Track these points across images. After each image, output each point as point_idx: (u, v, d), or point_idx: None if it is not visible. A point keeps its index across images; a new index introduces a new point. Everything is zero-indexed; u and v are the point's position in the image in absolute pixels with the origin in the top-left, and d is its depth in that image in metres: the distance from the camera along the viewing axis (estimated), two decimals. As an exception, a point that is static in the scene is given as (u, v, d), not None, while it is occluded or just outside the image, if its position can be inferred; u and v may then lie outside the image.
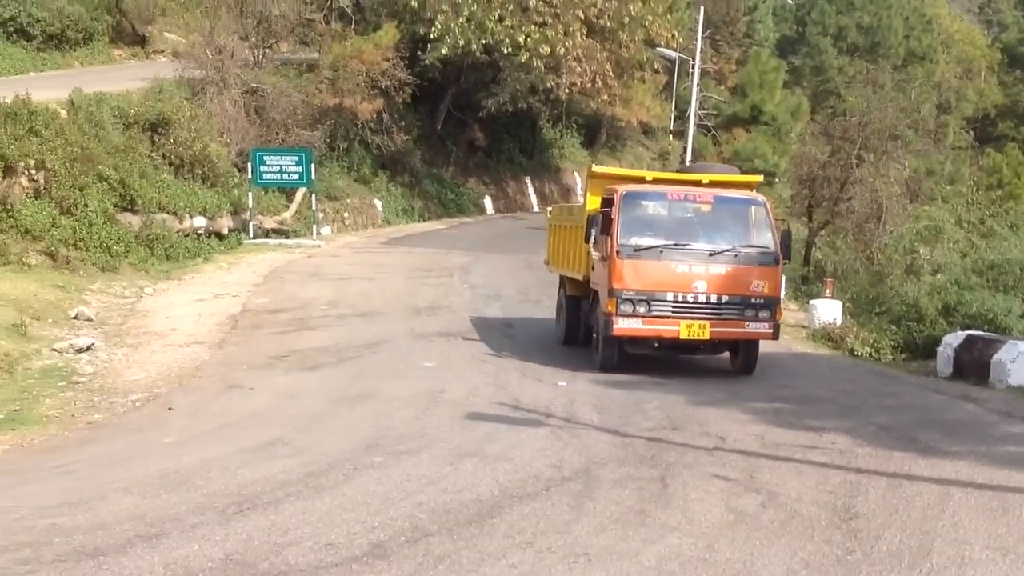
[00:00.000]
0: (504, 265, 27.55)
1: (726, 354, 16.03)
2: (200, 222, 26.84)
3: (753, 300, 14.70)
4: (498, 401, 13.04)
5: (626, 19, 40.30)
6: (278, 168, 29.92)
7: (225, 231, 28.09)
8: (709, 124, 51.36)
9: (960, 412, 13.35)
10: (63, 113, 25.33)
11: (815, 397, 14.18)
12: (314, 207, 31.63)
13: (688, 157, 41.93)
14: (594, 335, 15.75)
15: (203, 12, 35.58)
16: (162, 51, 40.26)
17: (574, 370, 15.23)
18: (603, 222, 14.85)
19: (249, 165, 29.55)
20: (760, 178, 19.18)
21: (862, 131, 27.99)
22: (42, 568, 6.92)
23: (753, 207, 15.41)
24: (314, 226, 31.51)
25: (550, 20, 37.65)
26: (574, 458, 10.13)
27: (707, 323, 14.59)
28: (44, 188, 22.12)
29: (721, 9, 60.44)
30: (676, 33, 44.36)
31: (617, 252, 14.55)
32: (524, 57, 36.98)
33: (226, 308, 20.11)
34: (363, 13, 41.53)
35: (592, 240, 15.18)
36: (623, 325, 14.59)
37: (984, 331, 17.43)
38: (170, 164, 27.17)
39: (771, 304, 14.86)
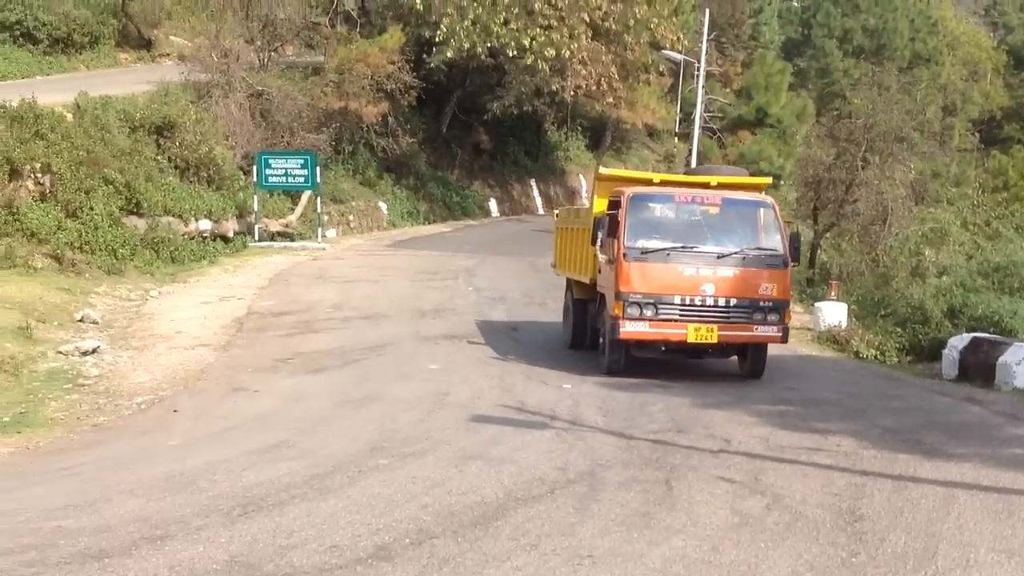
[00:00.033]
0: (509, 268, 27.55)
1: (734, 358, 15.88)
2: (205, 225, 26.86)
3: (762, 303, 14.54)
4: (503, 404, 13.04)
5: (631, 22, 40.27)
6: (283, 171, 29.95)
7: (230, 234, 28.10)
8: (714, 126, 51.32)
9: (965, 414, 13.32)
10: (69, 116, 25.38)
11: (820, 399, 14.15)
12: (319, 210, 31.67)
13: (693, 160, 41.88)
14: (601, 339, 15.63)
15: (209, 16, 35.69)
16: (168, 55, 40.30)
17: (579, 373, 15.22)
18: (610, 224, 14.73)
19: (254, 168, 29.57)
20: (769, 180, 19.02)
21: (867, 133, 27.95)
22: (47, 570, 6.94)
23: (762, 209, 15.23)
24: (319, 229, 31.53)
25: (555, 23, 37.63)
26: (579, 460, 10.13)
27: (715, 326, 14.43)
28: (50, 191, 22.18)
29: (726, 12, 60.33)
30: (681, 36, 44.29)
31: (624, 255, 14.41)
32: (529, 60, 36.96)
33: (231, 311, 20.13)
34: (368, 16, 41.58)
35: (599, 243, 14.96)
36: (630, 328, 14.45)
37: (990, 333, 17.40)
38: (176, 167, 27.20)
39: (780, 307, 14.68)
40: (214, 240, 27.22)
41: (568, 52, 37.54)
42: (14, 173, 21.70)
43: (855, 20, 65.13)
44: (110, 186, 23.64)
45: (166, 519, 8.09)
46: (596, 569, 7.18)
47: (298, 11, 36.36)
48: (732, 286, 14.48)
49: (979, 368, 16.07)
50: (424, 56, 38.15)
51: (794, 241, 15.18)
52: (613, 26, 40.17)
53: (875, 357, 18.74)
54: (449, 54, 36.65)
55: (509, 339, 18.27)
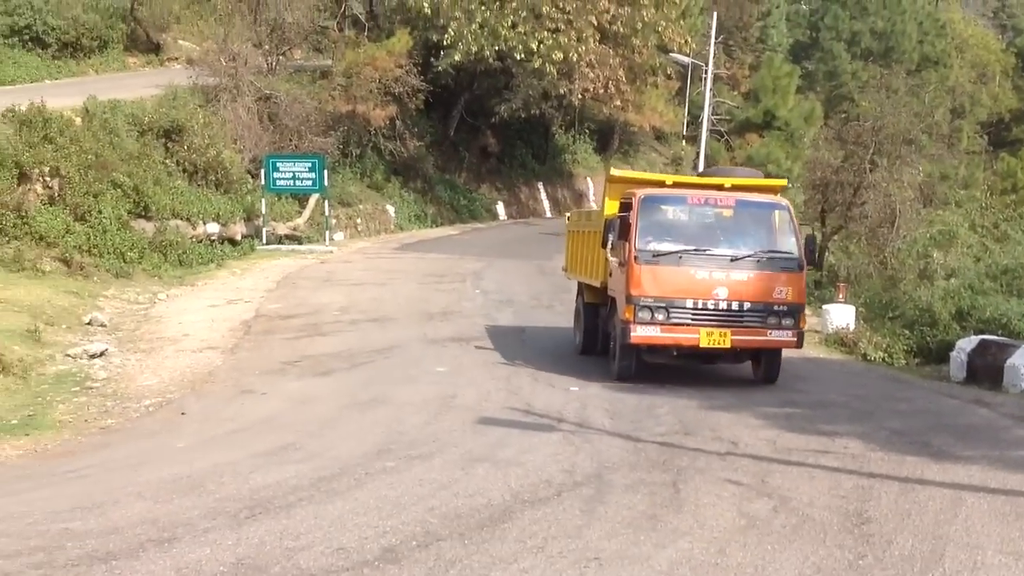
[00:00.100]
0: (517, 271, 27.55)
1: (746, 363, 15.63)
2: (213, 228, 26.92)
3: (776, 307, 14.29)
4: (510, 406, 13.04)
5: (639, 25, 40.30)
6: (291, 174, 30.00)
7: (238, 237, 28.15)
8: (722, 129, 51.25)
9: (973, 416, 13.29)
10: (78, 120, 25.46)
11: (828, 402, 14.13)
12: (327, 213, 31.69)
13: (701, 162, 41.84)
14: (611, 344, 15.34)
15: (217, 20, 35.71)
16: (176, 59, 40.36)
17: (586, 375, 15.20)
18: (621, 227, 14.50)
19: (262, 171, 29.64)
20: (784, 182, 18.79)
21: (875, 136, 27.96)
22: (55, 572, 6.94)
23: (776, 211, 14.96)
24: (327, 232, 31.55)
25: (563, 26, 37.67)
26: (586, 463, 10.12)
27: (728, 331, 14.18)
28: (59, 195, 22.27)
29: (734, 14, 60.35)
30: (689, 38, 44.33)
31: (635, 257, 14.17)
32: (537, 63, 37.00)
33: (239, 314, 20.16)
34: (376, 20, 41.67)
35: (609, 245, 14.68)
36: (641, 333, 14.19)
37: (998, 336, 17.35)
38: (184, 171, 27.27)
39: (795, 311, 14.42)
40: (222, 243, 27.27)
41: (576, 55, 37.58)
42: (23, 177, 21.80)
43: (863, 23, 65.04)
44: (118, 189, 23.73)
45: (173, 521, 8.10)
46: (603, 571, 7.17)
47: (306, 15, 36.42)
48: (746, 290, 14.24)
49: (987, 370, 16.04)
50: (432, 59, 38.20)
51: (809, 244, 14.94)
52: (621, 29, 40.20)
53: (883, 359, 18.70)
54: (457, 57, 36.71)
55: (516, 342, 18.27)
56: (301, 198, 31.98)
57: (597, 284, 16.25)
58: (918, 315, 20.03)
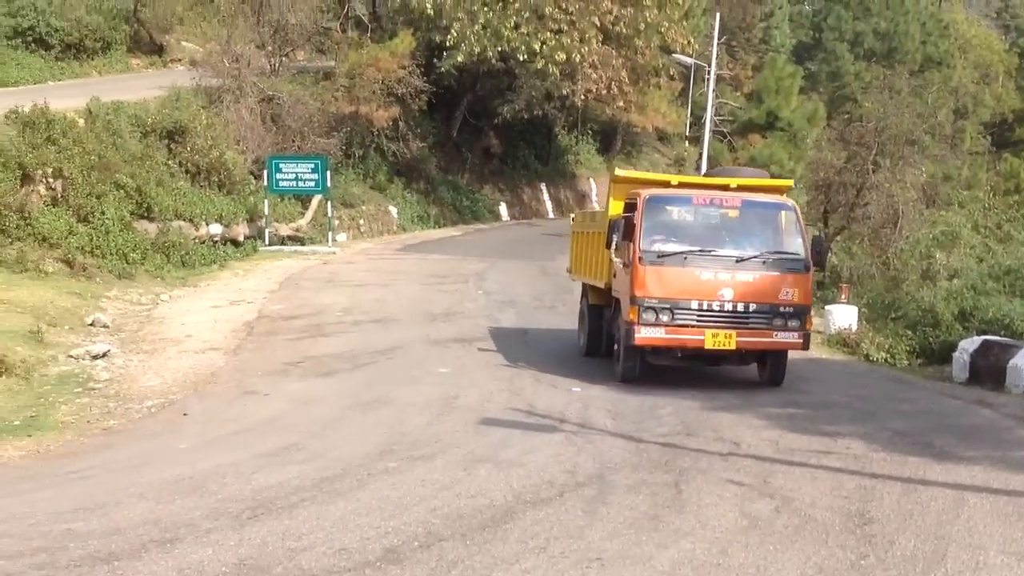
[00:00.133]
0: (519, 271, 27.55)
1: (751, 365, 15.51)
2: (216, 229, 26.94)
3: (782, 308, 14.16)
4: (512, 407, 13.05)
5: (642, 26, 40.26)
6: (294, 175, 30.02)
7: (241, 238, 28.16)
8: (725, 130, 51.18)
9: (976, 417, 13.29)
10: (81, 122, 25.49)
11: (830, 402, 14.11)
12: (330, 214, 31.72)
13: (704, 163, 41.83)
14: (615, 345, 15.22)
15: (220, 21, 35.78)
16: (179, 60, 40.42)
17: (588, 376, 15.21)
18: (625, 227, 14.44)
19: (265, 172, 29.65)
20: (791, 183, 18.62)
21: (878, 136, 27.92)
22: (57, 573, 6.96)
23: (783, 212, 14.85)
24: (329, 233, 31.57)
25: (566, 27, 37.64)
26: (588, 464, 10.13)
27: (733, 332, 14.06)
28: (61, 196, 22.29)
29: (737, 15, 60.35)
30: (692, 39, 44.31)
31: (639, 258, 14.07)
32: (540, 64, 36.97)
33: (241, 315, 20.18)
34: (379, 21, 41.67)
35: (614, 246, 14.65)
36: (645, 334, 14.08)
37: (1000, 336, 17.34)
38: (187, 172, 27.29)
39: (801, 313, 14.29)
40: (224, 244, 27.30)
41: (579, 56, 37.56)
42: (26, 178, 21.82)
43: (866, 23, 64.99)
44: (121, 191, 23.75)
45: (175, 522, 8.11)
46: (605, 572, 7.18)
47: (309, 16, 36.43)
48: (751, 291, 14.11)
49: (990, 371, 16.02)
50: (435, 60, 38.21)
51: (816, 245, 14.83)
52: (624, 30, 40.14)
53: (885, 360, 18.68)
54: (460, 58, 36.69)
55: (519, 343, 18.27)
56: (304, 199, 31.99)
57: (601, 285, 16.17)
58: (921, 316, 20.01)
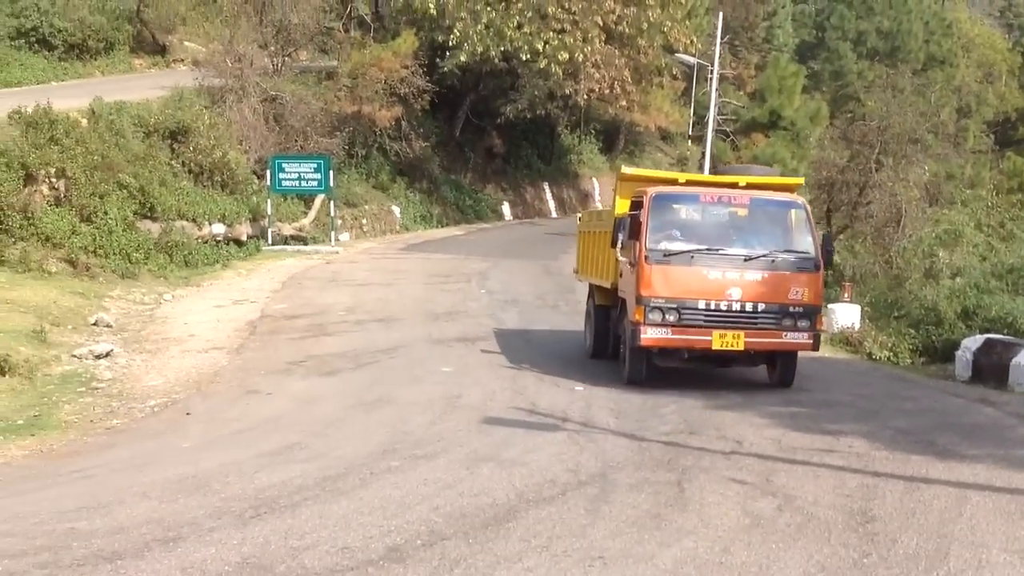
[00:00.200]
0: (522, 271, 27.56)
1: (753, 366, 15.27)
2: (219, 229, 26.95)
3: (791, 308, 13.82)
4: (515, 406, 13.04)
5: (644, 25, 40.29)
6: (297, 175, 30.03)
7: (244, 238, 28.17)
8: (728, 129, 51.13)
9: (978, 416, 13.26)
10: (84, 122, 25.51)
11: (833, 401, 14.08)
12: (332, 214, 31.73)
13: (707, 162, 41.79)
14: (621, 347, 14.92)
15: (223, 21, 35.73)
16: (182, 60, 40.46)
17: (591, 375, 15.20)
18: (631, 226, 14.07)
19: (268, 172, 29.65)
20: (802, 180, 18.29)
21: (881, 135, 27.94)
22: (60, 572, 6.97)
23: (793, 210, 14.52)
24: (332, 232, 31.58)
25: (568, 27, 37.66)
26: (590, 462, 10.13)
27: (741, 333, 13.75)
28: (65, 196, 22.31)
29: (740, 15, 60.32)
30: (695, 39, 44.32)
31: (645, 257, 13.75)
32: (542, 64, 36.99)
33: (244, 314, 20.20)
34: (382, 21, 41.68)
35: (619, 245, 14.30)
36: (651, 335, 13.74)
37: (1003, 335, 17.33)
38: (189, 172, 27.29)
39: (811, 313, 13.98)
40: (227, 244, 27.30)
41: (581, 56, 37.57)
42: (29, 178, 21.83)
43: (869, 22, 65.02)
44: (124, 191, 23.76)
45: (178, 521, 8.13)
46: (607, 570, 7.18)
47: (312, 16, 36.37)
48: (760, 290, 13.81)
49: (992, 369, 16.01)
50: (437, 60, 38.23)
51: (827, 244, 14.54)
52: (626, 30, 40.19)
53: (888, 358, 18.69)
54: (462, 58, 36.71)
55: (522, 342, 18.27)
56: (307, 199, 31.99)
57: (607, 285, 15.91)
58: (923, 314, 20.02)
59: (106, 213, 22.66)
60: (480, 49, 36.35)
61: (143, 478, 9.76)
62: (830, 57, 65.06)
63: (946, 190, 31.29)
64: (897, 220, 26.70)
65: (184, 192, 26.14)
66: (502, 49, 36.94)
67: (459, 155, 44.81)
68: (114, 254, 22.26)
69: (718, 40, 43.80)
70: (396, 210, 38.47)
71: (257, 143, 31.07)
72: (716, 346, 13.81)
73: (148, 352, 16.86)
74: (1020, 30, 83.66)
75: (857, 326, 20.22)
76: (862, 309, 20.97)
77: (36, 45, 37.27)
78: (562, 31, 37.48)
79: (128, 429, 12.61)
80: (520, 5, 36.84)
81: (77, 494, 9.24)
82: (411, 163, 39.97)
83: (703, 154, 44.30)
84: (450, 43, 36.73)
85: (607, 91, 40.67)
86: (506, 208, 46.44)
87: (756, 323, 13.85)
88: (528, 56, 37.00)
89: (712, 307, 13.76)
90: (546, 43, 36.87)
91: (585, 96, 40.55)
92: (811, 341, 14.13)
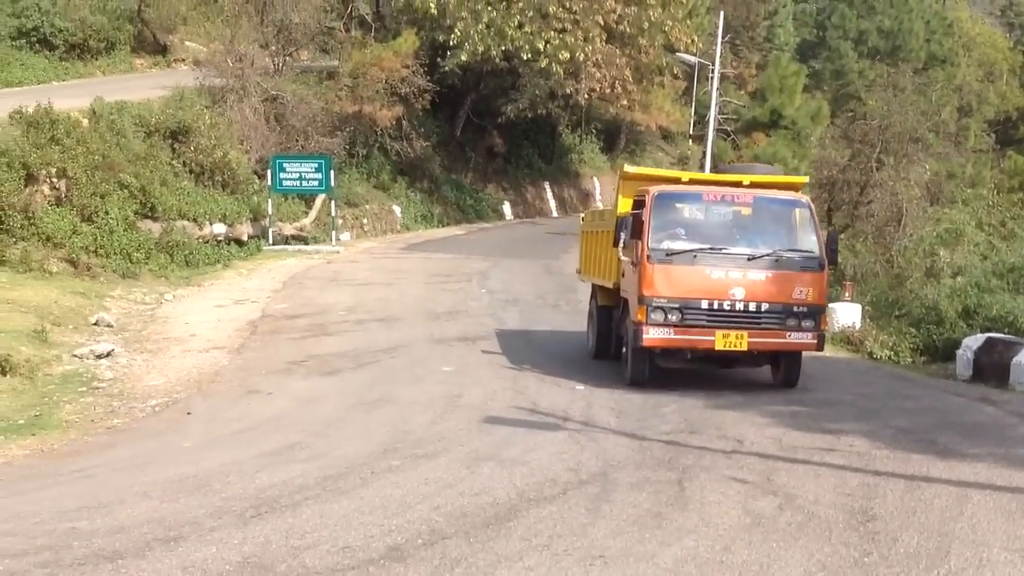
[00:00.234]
0: (523, 270, 27.55)
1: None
2: (220, 229, 26.96)
3: (795, 308, 13.67)
4: (516, 405, 13.04)
5: (645, 25, 40.29)
6: (297, 175, 30.04)
7: (245, 238, 28.19)
8: (729, 128, 51.15)
9: (979, 415, 13.25)
10: (85, 122, 25.51)
11: (834, 400, 14.05)
12: (333, 213, 31.74)
13: (708, 162, 41.79)
14: (624, 347, 14.74)
15: (224, 21, 35.77)
16: (183, 60, 40.47)
17: (592, 374, 15.20)
18: (633, 225, 13.87)
19: (269, 172, 29.66)
20: (806, 179, 18.14)
21: (882, 134, 27.96)
22: (61, 571, 6.98)
23: (797, 209, 14.37)
24: (333, 232, 31.59)
25: (569, 26, 37.66)
26: (591, 461, 10.13)
27: (745, 333, 13.58)
28: (65, 196, 22.31)
29: (741, 14, 60.29)
30: (696, 38, 44.30)
31: (648, 256, 13.58)
32: (543, 63, 36.99)
33: (245, 314, 20.20)
34: (383, 21, 41.68)
35: (621, 244, 14.08)
36: (653, 335, 13.58)
37: (1004, 334, 17.33)
38: (190, 171, 27.30)
39: (815, 313, 13.83)
40: (228, 244, 27.31)
41: (582, 55, 37.56)
42: (30, 178, 21.84)
43: (870, 21, 65.01)
44: (125, 190, 23.77)
45: (179, 520, 8.13)
46: (608, 569, 7.18)
47: (312, 16, 36.40)
48: (764, 290, 13.65)
49: (993, 368, 16.00)
50: (438, 60, 38.22)
51: (831, 242, 14.36)
52: (627, 29, 40.20)
53: (889, 358, 18.69)
54: (463, 57, 36.70)
55: (522, 341, 18.27)
56: (308, 198, 32.01)
57: (610, 285, 15.74)
58: (924, 313, 20.02)
59: (107, 213, 22.67)
60: (481, 48, 36.36)
61: (144, 477, 9.77)
62: (831, 56, 65.07)
63: (947, 189, 31.31)
64: (898, 219, 26.70)
65: (185, 192, 26.15)
66: (503, 48, 36.95)
67: (460, 155, 44.81)
68: (115, 254, 22.26)
69: (719, 39, 43.80)
70: (397, 210, 38.47)
71: (258, 143, 31.08)
72: (719, 346, 13.66)
73: (149, 352, 16.87)
74: (1021, 29, 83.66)
75: (858, 325, 20.22)
76: (863, 308, 20.97)
77: (37, 45, 37.27)
78: (563, 30, 37.49)
79: (129, 429, 12.62)
80: (521, 5, 36.85)
81: (78, 493, 9.24)
82: (412, 163, 39.98)
83: (704, 153, 44.30)
84: (451, 43, 36.74)
85: (608, 90, 40.67)
86: (507, 208, 46.44)
87: (760, 323, 13.70)
88: (529, 55, 37.00)
89: (715, 307, 13.60)
90: (547, 42, 36.87)
91: (586, 95, 40.55)
92: (816, 341, 13.98)
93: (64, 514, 8.38)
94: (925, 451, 10.71)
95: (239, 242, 27.87)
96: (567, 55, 37.02)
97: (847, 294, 21.39)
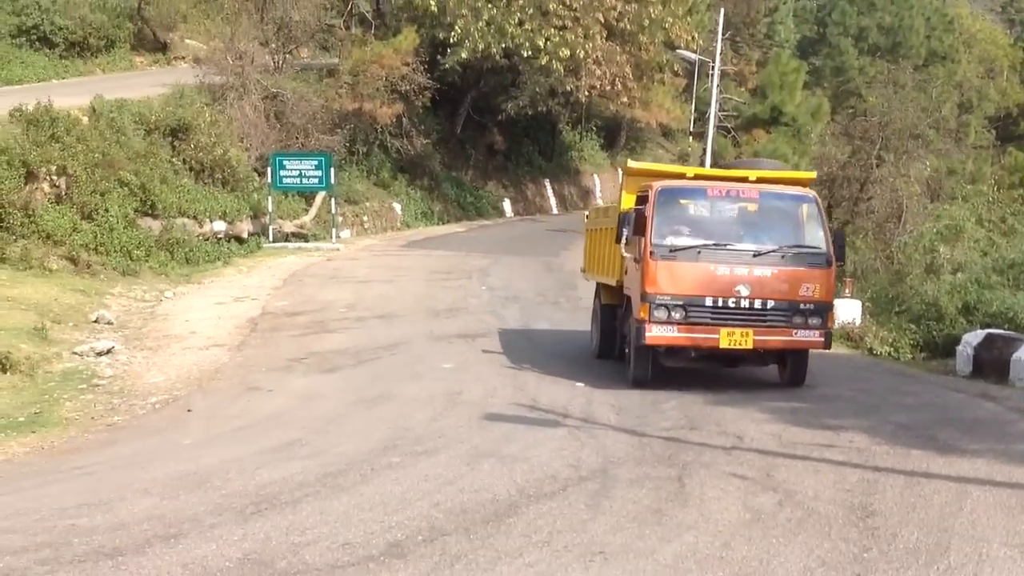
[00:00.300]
0: (523, 267, 27.55)
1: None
2: (220, 226, 26.96)
3: (802, 305, 13.38)
4: (516, 402, 13.05)
5: (646, 22, 40.27)
6: (298, 172, 30.05)
7: (245, 235, 28.20)
8: (729, 125, 51.19)
9: (979, 410, 13.24)
10: (85, 119, 25.51)
11: (833, 396, 14.02)
12: (333, 211, 31.75)
13: (708, 159, 41.80)
14: (627, 346, 14.56)
15: (224, 19, 35.79)
16: (183, 57, 40.50)
17: (592, 371, 15.21)
18: (636, 221, 13.62)
19: (269, 169, 29.66)
20: (814, 174, 17.85)
21: (882, 131, 27.98)
22: (61, 568, 6.98)
23: (804, 204, 14.09)
24: (333, 229, 31.60)
25: (570, 23, 37.64)
26: (591, 458, 10.13)
27: (750, 331, 13.31)
28: (66, 193, 22.30)
29: (741, 11, 60.20)
30: (696, 35, 44.28)
31: (651, 253, 13.32)
32: (544, 60, 36.98)
33: (245, 311, 20.21)
34: (383, 18, 41.67)
35: (624, 240, 13.81)
36: (656, 333, 13.32)
37: (1004, 330, 17.30)
38: (190, 169, 27.29)
39: (822, 310, 13.55)
40: (228, 241, 27.32)
41: (583, 52, 37.54)
42: (30, 176, 21.82)
43: (870, 18, 64.99)
44: (125, 188, 23.76)
45: (180, 517, 8.14)
46: (608, 565, 7.18)
47: (313, 13, 36.40)
48: (769, 287, 13.36)
49: (993, 364, 15.98)
50: (438, 57, 38.20)
51: (839, 239, 14.06)
52: (628, 26, 40.18)
53: (889, 354, 18.67)
54: (463, 55, 36.69)
55: (522, 338, 18.27)
56: (308, 196, 32.02)
57: (613, 283, 15.55)
58: (924, 309, 19.98)
59: (107, 211, 22.67)
60: (481, 46, 36.34)
61: (144, 474, 9.77)
62: (831, 53, 65.02)
63: (947, 186, 31.27)
64: (898, 216, 26.71)
65: (185, 189, 26.14)
66: (503, 46, 36.93)
67: (460, 152, 44.81)
68: (115, 251, 22.27)
69: (719, 36, 43.86)
70: (397, 207, 38.47)
71: (258, 140, 31.09)
72: (724, 344, 13.42)
73: (149, 349, 16.88)
74: (1021, 25, 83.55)
75: (858, 321, 20.21)
76: (863, 304, 20.96)
77: (37, 43, 37.30)
78: (563, 27, 37.47)
79: (129, 426, 12.63)
80: (521, 2, 36.83)
81: (78, 491, 9.25)
82: (412, 160, 39.98)
83: (704, 150, 44.34)
84: (451, 40, 36.71)
85: (608, 87, 40.63)
86: (507, 205, 46.44)
87: (765, 320, 13.44)
88: (529, 53, 36.98)
89: (720, 304, 13.35)
90: (547, 40, 36.85)
91: (586, 92, 40.53)
92: (822, 339, 13.72)
93: (64, 511, 8.39)
94: (925, 447, 10.71)
95: (239, 239, 27.88)
96: (567, 52, 37.01)
97: (847, 290, 21.37)
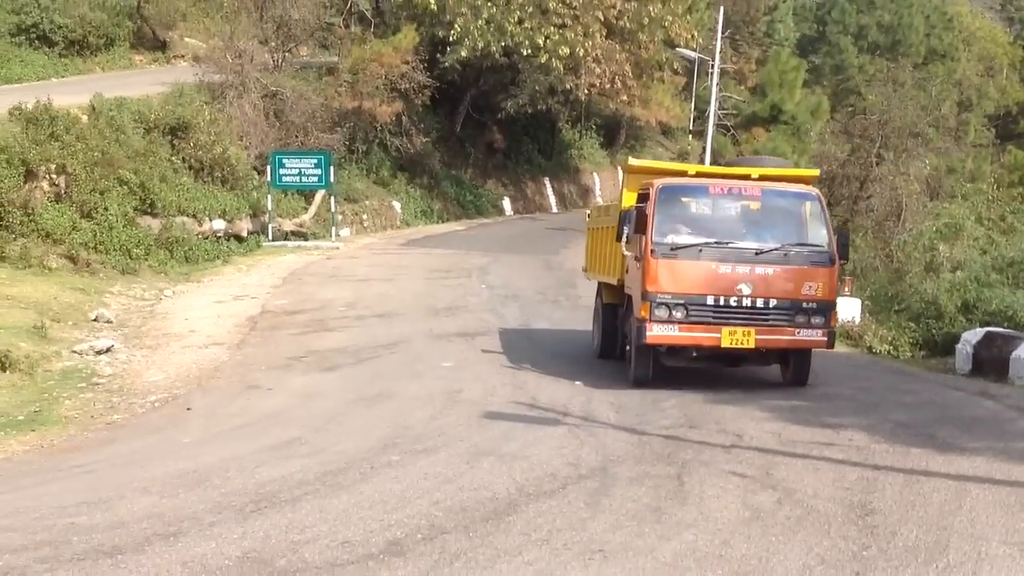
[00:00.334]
0: (522, 266, 27.54)
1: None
2: (219, 225, 26.95)
3: (805, 304, 13.27)
4: (515, 400, 13.06)
5: (645, 20, 40.23)
6: (297, 171, 30.04)
7: (244, 234, 28.18)
8: (729, 124, 51.12)
9: (978, 409, 13.24)
10: (84, 118, 25.50)
11: (833, 395, 14.01)
12: (333, 209, 31.74)
13: (707, 157, 41.78)
14: (628, 346, 14.45)
15: (223, 17, 35.77)
16: (182, 56, 40.48)
17: (591, 369, 15.21)
18: (637, 219, 13.54)
19: (268, 168, 29.65)
20: (817, 172, 17.62)
21: (882, 129, 28.00)
22: (61, 566, 6.98)
23: (807, 202, 13.93)
24: (333, 228, 31.60)
25: (569, 22, 37.62)
26: (591, 456, 10.13)
27: (752, 330, 13.21)
28: (65, 192, 22.30)
29: (741, 9, 60.12)
30: (695, 33, 44.26)
31: (651, 251, 13.22)
32: (543, 59, 36.96)
33: (245, 310, 20.21)
34: (382, 16, 41.64)
35: (624, 239, 13.74)
36: (657, 332, 13.22)
37: (1003, 328, 17.31)
38: (190, 167, 27.27)
39: (825, 309, 13.45)
40: (228, 240, 27.31)
41: (582, 50, 37.52)
42: (29, 174, 21.81)
43: (870, 16, 64.96)
44: (124, 187, 23.75)
45: (179, 516, 8.14)
46: (607, 563, 7.18)
47: (312, 12, 36.38)
48: (772, 285, 13.26)
49: (993, 362, 15.99)
50: (438, 55, 38.17)
51: (842, 237, 14.01)
52: (627, 24, 40.15)
53: (888, 352, 18.68)
54: (463, 53, 36.66)
55: (522, 337, 18.28)
56: (307, 194, 32.00)
57: (615, 282, 15.47)
58: (924, 308, 19.99)
59: (106, 209, 22.67)
60: (481, 44, 36.32)
61: (144, 473, 9.78)
62: (831, 51, 64.99)
63: (947, 184, 31.29)
64: (898, 214, 26.72)
65: (184, 188, 26.13)
66: (503, 44, 36.91)
67: (460, 150, 44.78)
68: (114, 250, 22.26)
69: (719, 35, 43.83)
70: (397, 205, 38.45)
71: (257, 139, 31.07)
72: (726, 344, 13.31)
73: (148, 348, 16.88)
74: (1021, 24, 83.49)
75: (857, 320, 20.23)
76: (862, 303, 20.98)
77: (36, 41, 37.30)
78: (563, 26, 37.45)
79: (129, 424, 12.64)
80: (521, 0, 36.80)
81: (78, 489, 9.25)
82: (412, 158, 39.96)
83: (704, 149, 44.32)
84: (451, 38, 36.69)
85: (608, 86, 40.63)
86: (507, 203, 46.41)
87: (768, 320, 13.35)
88: (529, 51, 36.96)
89: (721, 303, 13.25)
90: (547, 38, 36.83)
91: (586, 91, 40.51)
92: (826, 338, 13.63)
93: (64, 509, 8.39)
94: (924, 445, 10.71)
95: (239, 238, 27.87)
96: (567, 51, 36.98)
97: (847, 289, 21.36)
